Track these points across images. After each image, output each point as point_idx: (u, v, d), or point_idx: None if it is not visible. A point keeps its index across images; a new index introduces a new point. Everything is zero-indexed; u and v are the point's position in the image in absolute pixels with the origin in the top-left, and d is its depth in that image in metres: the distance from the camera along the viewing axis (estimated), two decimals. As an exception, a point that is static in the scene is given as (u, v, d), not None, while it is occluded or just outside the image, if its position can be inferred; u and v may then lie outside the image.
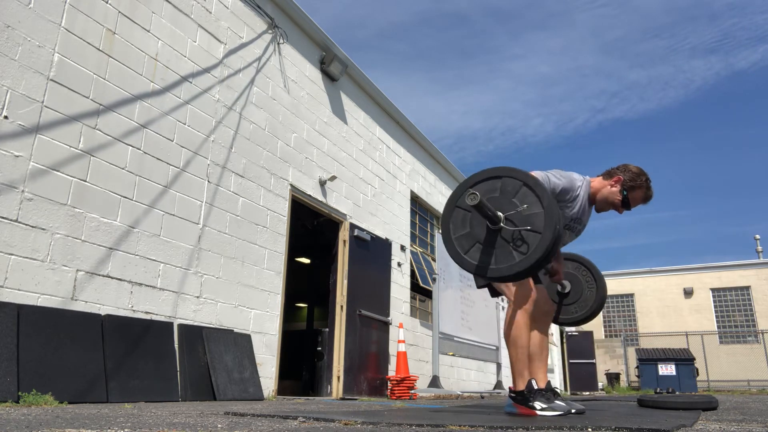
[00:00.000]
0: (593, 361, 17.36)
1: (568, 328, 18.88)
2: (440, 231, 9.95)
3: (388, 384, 7.14)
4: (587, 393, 15.06)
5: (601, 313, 22.83)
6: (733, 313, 21.02)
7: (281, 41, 6.29)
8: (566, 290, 3.64)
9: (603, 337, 22.49)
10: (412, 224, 9.28)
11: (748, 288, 20.91)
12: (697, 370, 14.43)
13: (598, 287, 3.62)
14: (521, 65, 72.89)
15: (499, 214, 2.45)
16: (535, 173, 2.79)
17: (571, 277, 3.66)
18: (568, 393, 15.56)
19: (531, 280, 2.88)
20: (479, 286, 3.04)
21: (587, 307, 3.62)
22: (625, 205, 2.99)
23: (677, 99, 61.53)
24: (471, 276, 3.22)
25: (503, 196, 2.50)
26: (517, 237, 2.41)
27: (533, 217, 2.41)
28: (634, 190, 2.97)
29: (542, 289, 3.11)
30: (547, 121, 71.92)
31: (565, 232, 3.06)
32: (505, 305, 10.89)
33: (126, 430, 1.69)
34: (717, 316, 21.12)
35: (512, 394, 2.72)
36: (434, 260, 9.44)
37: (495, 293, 3.04)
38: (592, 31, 65.72)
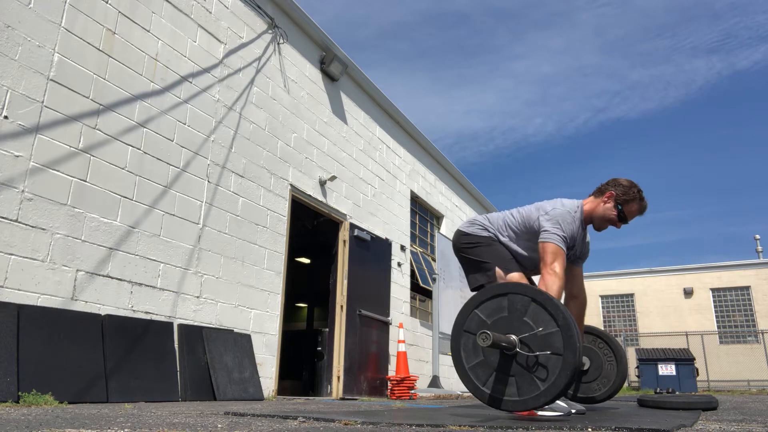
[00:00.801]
0: (593, 361, 17.32)
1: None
2: (440, 230, 9.93)
3: (388, 384, 7.14)
4: (587, 393, 15.03)
5: (601, 313, 22.85)
6: (733, 313, 21.02)
7: (281, 41, 6.29)
8: (585, 367, 3.45)
9: (603, 337, 22.44)
10: (412, 224, 9.28)
11: (748, 288, 20.90)
12: (697, 370, 14.43)
13: (618, 362, 3.40)
14: (522, 65, 72.91)
15: (513, 338, 2.26)
16: (552, 239, 2.72)
17: (588, 352, 3.46)
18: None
19: (526, 279, 2.89)
20: (473, 288, 3.05)
21: (609, 384, 3.40)
22: (622, 219, 2.99)
23: (678, 98, 61.56)
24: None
25: (512, 315, 2.32)
26: (537, 363, 2.22)
27: (550, 337, 2.22)
28: (628, 204, 2.96)
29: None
30: (548, 121, 71.95)
31: (571, 266, 3.08)
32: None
33: (126, 430, 1.69)
34: (717, 316, 21.11)
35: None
36: (434, 260, 9.44)
37: None
38: (594, 30, 65.74)
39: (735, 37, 49.56)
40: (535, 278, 3.12)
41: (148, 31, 4.57)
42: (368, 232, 7.40)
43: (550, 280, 2.65)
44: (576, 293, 3.18)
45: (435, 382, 7.38)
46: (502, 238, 3.02)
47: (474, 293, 2.70)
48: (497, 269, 2.91)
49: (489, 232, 3.05)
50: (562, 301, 2.78)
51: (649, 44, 62.66)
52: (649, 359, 14.82)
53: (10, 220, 3.39)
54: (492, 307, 2.39)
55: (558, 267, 2.69)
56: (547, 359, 2.21)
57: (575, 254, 3.06)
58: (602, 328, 23.13)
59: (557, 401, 2.62)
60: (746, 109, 57.42)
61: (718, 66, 52.63)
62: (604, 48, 69.37)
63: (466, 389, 8.92)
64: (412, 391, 6.95)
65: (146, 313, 4.18)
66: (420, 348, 8.55)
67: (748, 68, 52.04)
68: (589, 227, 3.13)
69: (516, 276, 2.87)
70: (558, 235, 2.77)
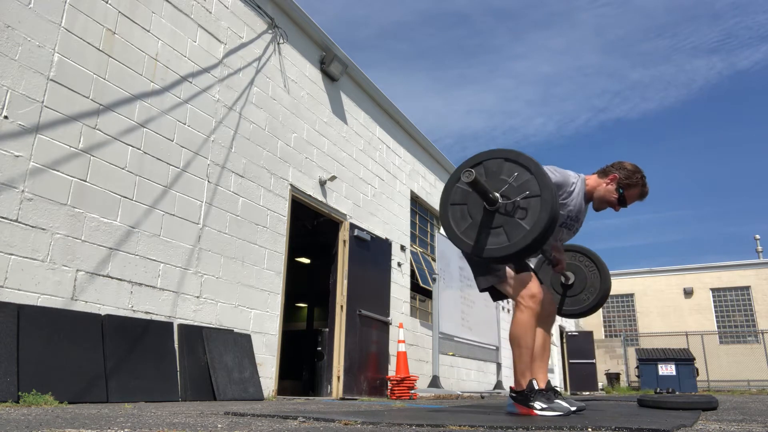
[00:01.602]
0: (593, 361, 17.36)
1: (568, 328, 18.88)
2: (441, 230, 9.94)
3: (388, 384, 7.14)
4: (587, 393, 15.06)
5: (601, 313, 22.84)
6: (733, 313, 21.02)
7: (281, 41, 6.29)
8: (570, 282, 3.60)
9: (603, 337, 22.49)
10: (412, 224, 9.28)
11: (748, 288, 20.90)
12: (697, 370, 14.43)
13: (601, 276, 3.57)
14: (523, 65, 72.92)
15: (495, 193, 2.47)
16: None
17: (573, 268, 3.62)
18: (568, 393, 15.56)
19: (537, 279, 2.86)
20: (482, 289, 3.00)
21: (592, 297, 3.57)
22: (621, 202, 2.99)
23: (679, 98, 61.57)
24: (471, 276, 3.20)
25: (490, 177, 2.52)
26: (517, 207, 2.43)
27: (526, 184, 2.44)
28: (630, 188, 2.96)
29: (547, 290, 3.10)
30: (549, 121, 71.96)
31: (562, 230, 3.05)
32: (506, 305, 10.90)
33: (126, 430, 1.69)
34: (717, 316, 21.12)
35: (513, 394, 2.72)
36: (434, 260, 9.44)
37: (498, 297, 3.01)
38: (595, 30, 65.73)
39: (736, 36, 49.60)
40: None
41: (148, 31, 4.57)
42: (368, 232, 7.40)
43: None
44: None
45: (435, 382, 7.38)
46: None
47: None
48: (507, 269, 2.86)
49: None
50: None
51: (650, 44, 62.69)
52: (649, 359, 14.82)
53: (10, 220, 3.39)
54: (508, 170, 2.55)
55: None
56: (527, 203, 2.42)
57: (570, 218, 3.03)
58: (602, 328, 23.09)
59: (557, 401, 2.62)
60: (747, 109, 57.45)
61: (718, 66, 52.67)
62: (605, 48, 69.38)
63: (466, 390, 8.92)
64: (412, 391, 6.95)
65: (146, 313, 4.18)
66: (420, 348, 8.55)
67: (748, 68, 52.07)
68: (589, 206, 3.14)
69: (528, 277, 2.82)
70: (548, 172, 2.81)
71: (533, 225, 2.38)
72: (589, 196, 3.04)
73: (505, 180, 2.50)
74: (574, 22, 66.42)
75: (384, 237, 7.93)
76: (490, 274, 2.90)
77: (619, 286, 22.50)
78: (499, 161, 2.54)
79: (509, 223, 2.44)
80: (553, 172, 2.86)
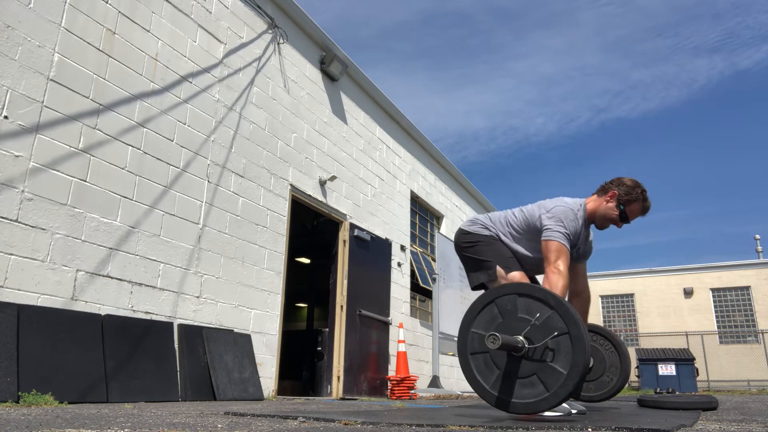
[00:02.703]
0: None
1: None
2: (440, 230, 9.93)
3: (388, 384, 7.13)
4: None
5: (601, 312, 22.84)
6: (733, 313, 21.02)
7: (281, 41, 6.29)
8: (589, 365, 3.46)
9: (603, 337, 22.44)
10: (412, 224, 9.28)
11: (748, 288, 20.90)
12: (697, 370, 14.43)
13: (621, 364, 3.38)
14: (524, 64, 72.90)
15: (518, 337, 2.24)
16: (556, 236, 2.72)
17: (593, 351, 3.42)
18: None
19: (527, 278, 2.87)
20: (473, 287, 3.04)
21: (615, 379, 3.38)
22: (624, 219, 2.97)
23: (680, 98, 61.57)
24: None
25: (507, 317, 2.32)
26: (546, 349, 2.21)
27: (549, 321, 2.22)
28: (631, 204, 2.94)
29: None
30: (550, 121, 71.93)
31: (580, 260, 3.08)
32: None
33: (126, 430, 1.69)
34: (717, 316, 21.11)
35: (512, 395, 2.71)
36: (434, 260, 9.44)
37: None
38: (596, 30, 65.74)
39: (737, 36, 49.60)
40: (539, 278, 3.11)
41: (148, 31, 4.57)
42: (368, 232, 7.40)
43: (554, 278, 2.64)
44: (579, 291, 3.18)
45: (435, 382, 7.38)
46: (503, 237, 3.01)
47: (476, 295, 2.71)
48: (498, 268, 2.89)
49: (490, 231, 3.04)
50: (566, 299, 2.77)
51: (651, 44, 62.70)
52: (649, 359, 14.82)
53: (10, 220, 3.39)
54: (485, 319, 2.38)
55: (562, 265, 2.68)
56: (557, 343, 2.19)
57: (578, 252, 3.05)
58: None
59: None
60: (748, 108, 57.46)
61: (720, 65, 52.66)
62: (606, 48, 69.37)
63: (466, 390, 8.92)
64: (412, 391, 6.95)
65: (146, 313, 4.18)
66: (420, 348, 8.55)
67: (750, 68, 52.06)
68: (592, 226, 3.13)
69: (517, 275, 2.86)
70: (560, 232, 2.76)
71: (570, 368, 2.15)
72: (590, 219, 3.02)
73: (525, 319, 2.27)
74: (575, 21, 66.43)
75: (384, 237, 7.93)
76: (481, 271, 2.95)
77: (619, 286, 22.50)
78: (512, 297, 2.33)
79: (543, 370, 2.20)
80: (569, 226, 2.79)
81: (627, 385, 18.16)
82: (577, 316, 2.23)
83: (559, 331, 2.20)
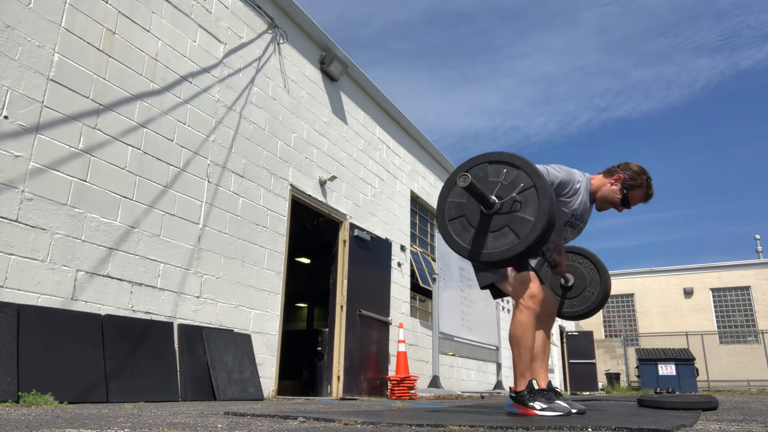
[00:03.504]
0: (593, 361, 17.35)
1: (568, 328, 18.87)
2: (438, 229, 9.97)
3: (388, 384, 7.14)
4: (587, 393, 15.06)
5: (601, 313, 22.84)
6: (733, 313, 21.03)
7: (281, 41, 6.29)
8: (569, 283, 3.57)
9: (603, 337, 22.49)
10: (412, 224, 9.28)
11: (748, 288, 20.90)
12: (697, 370, 14.43)
13: (601, 276, 3.54)
14: (525, 64, 72.86)
15: (494, 200, 2.46)
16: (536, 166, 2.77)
17: (573, 270, 3.60)
18: (568, 393, 15.56)
19: (537, 279, 2.85)
20: (482, 287, 3.01)
21: (593, 299, 3.53)
22: (625, 203, 2.97)
23: (681, 98, 61.56)
24: (472, 276, 3.21)
25: (481, 183, 2.50)
26: (515, 202, 2.43)
27: (517, 179, 2.45)
28: (634, 189, 2.94)
29: (547, 289, 3.09)
30: (551, 120, 71.93)
31: (567, 228, 3.04)
32: (506, 305, 10.89)
33: (126, 430, 1.69)
34: (717, 316, 21.12)
35: (513, 394, 2.72)
36: (434, 260, 9.44)
37: (498, 294, 3.00)
38: (597, 29, 65.72)
39: (738, 36, 49.60)
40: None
41: (148, 31, 4.57)
42: (368, 232, 7.40)
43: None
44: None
45: (435, 382, 7.38)
46: None
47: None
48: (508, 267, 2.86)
49: None
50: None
51: (652, 43, 62.71)
52: (649, 359, 14.82)
53: (10, 220, 3.39)
54: (460, 192, 2.58)
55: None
56: (524, 196, 2.42)
57: (583, 222, 3.03)
58: (602, 328, 23.09)
59: (557, 401, 2.62)
60: (749, 108, 57.45)
61: (721, 65, 52.63)
62: (607, 47, 69.36)
63: (466, 390, 8.92)
64: (412, 391, 6.95)
65: (146, 313, 4.18)
66: (420, 348, 8.55)
67: (751, 67, 52.01)
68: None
69: (529, 275, 2.82)
70: (543, 166, 2.81)
71: (537, 214, 2.36)
72: (593, 196, 3.03)
73: (495, 181, 2.50)
74: (576, 21, 66.43)
75: (384, 237, 7.93)
76: (491, 272, 2.91)
77: (619, 286, 22.51)
78: (482, 166, 2.55)
79: (513, 220, 2.43)
80: (558, 170, 2.85)
81: (627, 385, 18.10)
82: (540, 173, 2.45)
83: (526, 184, 2.43)
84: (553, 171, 2.83)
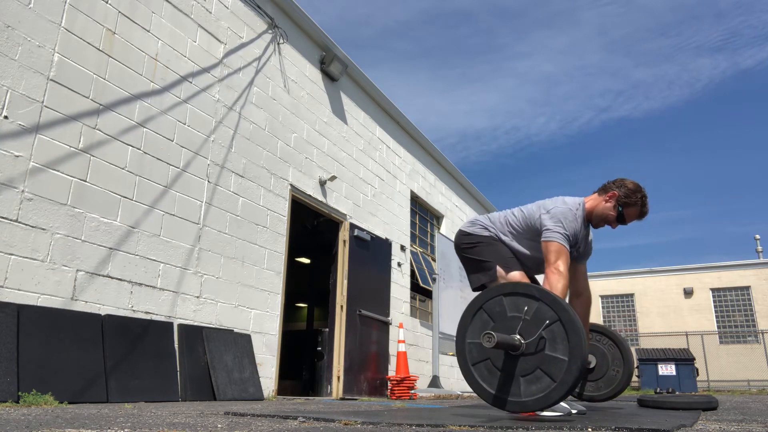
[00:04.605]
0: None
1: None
2: (440, 230, 9.92)
3: (388, 384, 7.13)
4: (587, 393, 15.04)
5: (601, 313, 22.83)
6: (733, 313, 21.02)
7: (281, 41, 6.29)
8: (591, 365, 3.43)
9: (603, 337, 22.44)
10: (412, 224, 9.28)
11: (748, 288, 20.90)
12: (697, 370, 14.43)
13: (624, 356, 3.40)
14: (526, 64, 72.82)
15: (514, 336, 2.26)
16: (555, 237, 2.72)
17: (596, 351, 3.45)
18: (568, 393, 15.55)
19: (527, 278, 2.87)
20: (474, 288, 3.03)
21: (611, 386, 3.39)
22: (620, 220, 2.97)
23: (682, 98, 61.52)
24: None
25: (499, 320, 2.34)
26: (541, 339, 2.23)
27: (538, 312, 2.26)
28: (629, 207, 2.94)
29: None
30: (552, 120, 71.86)
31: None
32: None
33: (126, 430, 1.69)
34: (717, 316, 21.11)
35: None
36: (434, 260, 9.44)
37: None
38: (598, 29, 65.70)
39: (740, 35, 49.59)
40: (539, 278, 3.11)
41: (148, 31, 4.57)
42: (368, 232, 7.40)
43: (554, 279, 2.64)
44: (580, 291, 3.18)
45: (435, 382, 7.38)
46: (503, 238, 3.01)
47: (475, 293, 2.71)
48: (498, 268, 2.89)
49: (490, 231, 3.04)
50: (567, 300, 2.78)
51: (653, 43, 62.69)
52: (649, 359, 14.82)
53: (10, 220, 3.39)
54: (478, 327, 2.40)
55: (562, 265, 2.68)
56: (551, 332, 2.22)
57: (578, 252, 3.05)
58: (602, 328, 23.12)
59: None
60: (750, 108, 57.41)
61: (722, 65, 52.61)
62: (608, 47, 69.33)
63: (466, 390, 8.92)
64: (412, 391, 6.95)
65: (146, 313, 4.18)
66: (420, 348, 8.55)
67: (752, 67, 51.98)
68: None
69: (517, 275, 2.86)
70: (560, 233, 2.76)
71: (570, 353, 2.16)
72: (588, 217, 3.02)
73: (516, 316, 2.30)
74: (577, 21, 66.42)
75: (384, 237, 7.93)
76: (482, 272, 2.95)
77: (619, 286, 22.50)
78: (498, 299, 2.37)
79: (544, 361, 2.22)
80: (569, 227, 2.79)
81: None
82: (565, 302, 2.26)
83: (550, 319, 2.22)
84: (570, 231, 2.79)
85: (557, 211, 2.84)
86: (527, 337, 2.25)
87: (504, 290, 2.38)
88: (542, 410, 2.28)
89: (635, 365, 15.06)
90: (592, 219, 3.02)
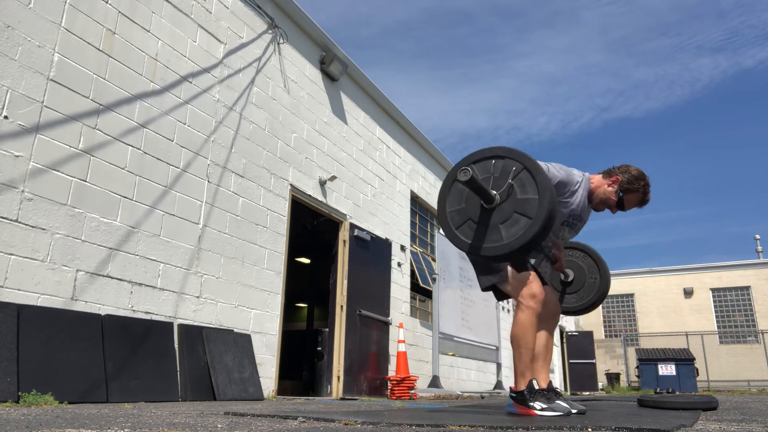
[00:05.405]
0: (593, 361, 17.35)
1: (568, 328, 18.87)
2: (438, 226, 9.93)
3: (388, 384, 7.14)
4: (587, 393, 15.06)
5: (601, 312, 22.83)
6: (733, 313, 21.02)
7: (281, 41, 6.29)
8: (569, 279, 3.59)
9: (603, 337, 22.48)
10: (412, 224, 9.28)
11: (748, 288, 20.90)
12: (697, 370, 14.44)
13: (601, 275, 3.56)
14: (527, 63, 72.84)
15: (494, 193, 2.45)
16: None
17: (573, 265, 3.61)
18: (568, 393, 15.57)
19: (538, 279, 2.84)
20: (484, 289, 3.00)
21: (591, 294, 3.56)
22: (620, 206, 2.97)
23: (683, 97, 61.53)
24: (472, 276, 3.21)
25: (502, 176, 2.49)
26: (513, 188, 2.43)
27: (505, 167, 2.47)
28: (630, 193, 2.93)
29: (552, 290, 3.09)
30: (553, 120, 71.88)
31: (564, 228, 3.04)
32: (506, 305, 10.87)
33: (126, 430, 1.69)
34: (717, 316, 21.11)
35: (513, 394, 2.72)
36: (434, 260, 9.44)
37: (501, 296, 3.00)
38: (599, 29, 65.71)
39: (741, 35, 49.59)
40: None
41: (148, 31, 4.57)
42: (368, 232, 7.40)
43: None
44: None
45: (435, 382, 7.37)
46: None
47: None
48: (509, 268, 2.86)
49: None
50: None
51: (654, 43, 62.69)
52: (649, 359, 14.82)
53: (10, 220, 3.39)
54: (455, 197, 2.59)
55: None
56: (519, 180, 2.43)
57: (581, 221, 3.03)
58: (602, 328, 23.08)
59: (558, 401, 2.62)
60: (751, 108, 57.40)
61: (723, 65, 52.60)
62: (609, 47, 69.31)
63: (466, 390, 8.92)
64: (412, 391, 6.95)
65: (146, 313, 4.18)
66: (420, 348, 8.55)
67: (753, 67, 51.97)
68: None
69: (529, 276, 2.82)
70: (554, 169, 2.82)
71: (539, 191, 2.35)
72: (591, 196, 3.03)
73: (486, 177, 2.50)
74: (578, 20, 66.43)
75: (384, 237, 7.93)
76: (492, 274, 2.90)
77: (619, 286, 22.51)
78: (519, 166, 2.50)
79: (518, 204, 2.41)
80: (558, 170, 2.85)
81: (627, 385, 18.07)
82: (526, 154, 2.47)
83: (516, 168, 2.45)
84: (553, 170, 2.83)
85: (562, 166, 2.92)
86: (499, 189, 2.47)
87: (472, 159, 2.57)
88: (523, 252, 2.46)
89: (635, 365, 15.07)
90: (592, 200, 3.02)
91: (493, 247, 2.44)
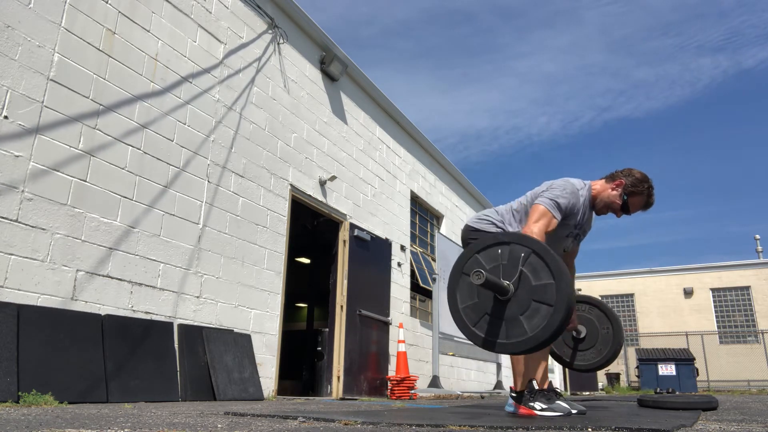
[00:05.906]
0: (593, 361, 17.30)
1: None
2: (440, 230, 9.92)
3: (388, 384, 7.13)
4: (587, 393, 15.06)
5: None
6: (733, 313, 21.02)
7: (281, 41, 6.29)
8: (581, 335, 3.47)
9: (603, 337, 22.43)
10: (412, 224, 9.28)
11: (748, 288, 20.90)
12: (697, 370, 14.43)
13: (613, 324, 3.43)
14: (527, 63, 72.85)
15: (508, 283, 2.31)
16: (543, 201, 2.74)
17: (585, 321, 3.50)
18: (568, 393, 15.56)
19: None
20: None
21: (609, 345, 3.42)
22: (624, 209, 2.96)
23: (683, 97, 61.55)
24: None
25: (510, 263, 2.36)
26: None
27: (512, 253, 2.33)
28: (635, 196, 2.93)
29: None
30: (553, 120, 71.88)
31: (569, 239, 3.05)
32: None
33: (126, 430, 1.69)
34: (717, 316, 21.11)
35: (513, 394, 2.72)
36: (434, 260, 9.44)
37: None
38: (600, 28, 65.72)
39: (742, 35, 49.61)
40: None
41: (148, 31, 4.57)
42: (368, 232, 7.40)
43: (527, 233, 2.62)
44: (568, 265, 3.19)
45: (435, 382, 7.38)
46: (510, 228, 3.00)
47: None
48: None
49: (498, 226, 3.02)
50: None
51: (655, 43, 62.71)
52: (649, 359, 14.82)
53: (10, 220, 3.39)
54: (466, 291, 2.46)
55: (536, 228, 2.67)
56: (530, 266, 2.29)
57: (580, 230, 3.03)
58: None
59: (558, 401, 2.62)
60: (751, 108, 57.41)
61: (724, 64, 52.62)
62: (610, 47, 69.33)
63: (466, 390, 8.92)
64: (412, 391, 6.95)
65: (146, 313, 4.18)
66: (420, 348, 8.55)
67: (754, 67, 51.98)
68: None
69: None
70: (551, 200, 2.76)
71: (554, 275, 2.23)
72: (593, 202, 3.02)
73: (494, 266, 2.38)
74: (578, 20, 66.44)
75: (384, 237, 7.93)
76: None
77: (619, 286, 22.51)
78: (474, 259, 2.43)
79: (535, 292, 2.28)
80: (566, 197, 2.81)
81: (627, 385, 18.05)
82: (530, 237, 2.38)
83: (525, 253, 2.32)
84: (563, 201, 2.80)
85: (557, 183, 2.88)
86: (510, 278, 2.33)
87: (476, 249, 2.46)
88: (550, 342, 2.29)
89: (635, 365, 15.07)
90: (596, 204, 3.02)
91: (520, 342, 2.27)
